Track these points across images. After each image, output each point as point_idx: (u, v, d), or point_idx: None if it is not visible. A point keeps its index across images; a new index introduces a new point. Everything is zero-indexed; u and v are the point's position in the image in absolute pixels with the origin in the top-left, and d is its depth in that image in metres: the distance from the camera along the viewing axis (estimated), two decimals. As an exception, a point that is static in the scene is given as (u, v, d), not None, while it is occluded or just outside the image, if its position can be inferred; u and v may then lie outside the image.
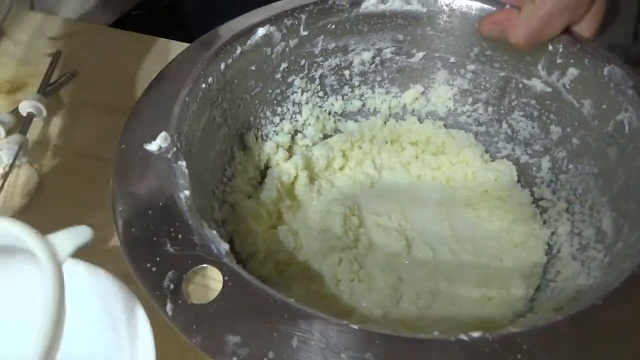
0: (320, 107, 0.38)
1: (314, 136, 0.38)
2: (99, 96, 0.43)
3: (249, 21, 0.32)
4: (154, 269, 0.20)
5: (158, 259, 0.21)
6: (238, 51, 0.32)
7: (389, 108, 0.40)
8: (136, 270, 0.20)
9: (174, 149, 0.25)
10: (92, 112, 0.42)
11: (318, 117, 0.38)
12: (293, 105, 0.37)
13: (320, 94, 0.38)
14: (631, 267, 0.21)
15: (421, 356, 0.18)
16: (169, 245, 0.21)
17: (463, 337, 0.18)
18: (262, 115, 0.36)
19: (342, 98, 0.39)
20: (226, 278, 0.20)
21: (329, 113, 0.39)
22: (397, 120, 0.40)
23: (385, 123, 0.39)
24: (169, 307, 0.19)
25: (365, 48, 0.37)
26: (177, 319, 0.19)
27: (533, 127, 0.35)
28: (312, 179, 0.36)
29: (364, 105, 0.39)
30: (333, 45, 0.36)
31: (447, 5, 0.35)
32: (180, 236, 0.21)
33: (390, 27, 0.36)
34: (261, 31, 0.32)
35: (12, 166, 0.35)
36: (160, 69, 0.30)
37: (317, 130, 0.38)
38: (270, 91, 0.35)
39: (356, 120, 0.40)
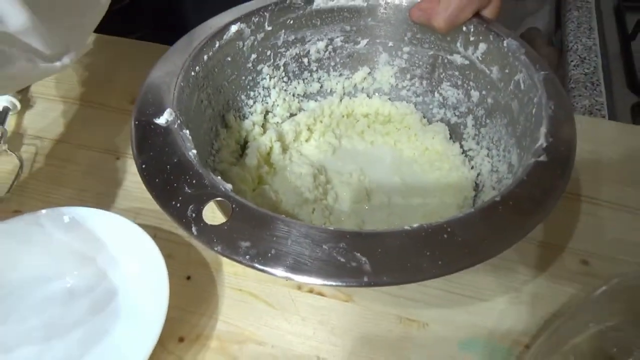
0: (285, 90, 0.46)
1: (282, 115, 0.46)
2: (66, 91, 0.51)
3: (223, 20, 0.39)
4: (178, 205, 0.27)
5: (180, 198, 0.27)
6: (217, 45, 0.38)
7: (343, 88, 0.47)
8: (164, 207, 0.27)
9: (178, 121, 0.32)
10: (59, 105, 0.50)
11: (284, 99, 0.46)
12: (263, 90, 0.44)
13: (285, 79, 0.45)
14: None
15: (378, 242, 0.26)
16: (186, 188, 0.28)
17: (407, 227, 0.26)
18: (238, 98, 0.43)
19: (303, 82, 0.46)
20: (234, 206, 0.27)
21: (293, 95, 0.46)
22: (350, 98, 0.48)
23: (340, 100, 0.47)
24: (194, 229, 0.26)
25: (320, 38, 0.44)
26: (201, 236, 0.26)
27: (458, 94, 0.44)
28: (284, 149, 0.44)
29: (321, 87, 0.47)
30: (292, 37, 0.43)
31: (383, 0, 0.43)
32: (194, 181, 0.28)
33: (338, 20, 0.44)
34: (234, 28, 0.39)
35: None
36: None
37: (285, 110, 0.46)
38: (243, 78, 0.42)
39: (316, 100, 0.47)
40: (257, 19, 0.41)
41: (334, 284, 0.24)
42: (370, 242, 0.26)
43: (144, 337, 0.31)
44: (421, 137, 0.45)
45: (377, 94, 0.48)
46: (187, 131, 0.31)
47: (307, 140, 0.45)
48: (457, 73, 0.43)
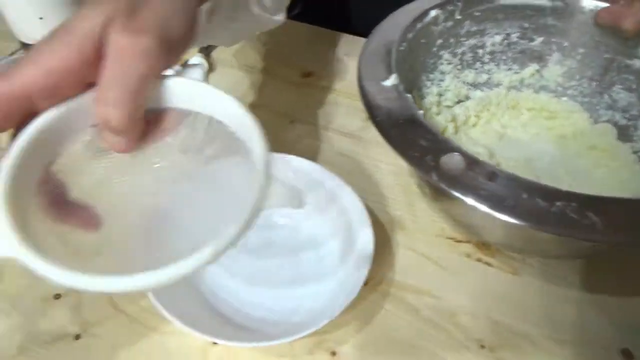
0: (457, 77, 0.49)
1: (452, 99, 0.49)
2: (245, 60, 0.57)
3: (422, 5, 0.43)
4: (416, 154, 0.31)
5: (418, 149, 0.31)
6: (417, 27, 0.42)
7: (510, 81, 0.50)
8: (406, 158, 0.31)
9: (402, 85, 0.35)
10: (237, 71, 0.56)
11: (455, 85, 0.49)
12: (440, 74, 0.48)
13: (459, 66, 0.48)
14: None
15: (606, 205, 0.28)
16: (422, 141, 0.31)
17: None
18: (420, 78, 0.46)
19: (475, 71, 0.49)
20: (467, 161, 0.30)
21: (463, 82, 0.49)
22: (516, 91, 0.50)
23: (507, 93, 0.50)
24: (433, 175, 0.30)
25: (498, 32, 0.47)
26: (441, 181, 0.29)
27: (631, 97, 0.45)
28: (456, 130, 0.47)
29: (489, 78, 0.50)
30: (474, 28, 0.47)
31: (566, 1, 0.46)
32: (427, 136, 0.32)
33: (519, 17, 0.47)
34: (432, 13, 0.43)
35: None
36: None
37: (454, 95, 0.49)
38: (428, 60, 0.46)
39: (482, 90, 0.50)
40: (451, 7, 0.44)
41: (571, 235, 0.27)
42: (598, 205, 0.28)
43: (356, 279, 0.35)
44: (587, 135, 0.46)
45: (542, 90, 0.50)
46: (409, 94, 0.35)
47: (474, 126, 0.48)
48: (632, 77, 0.45)
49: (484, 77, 0.50)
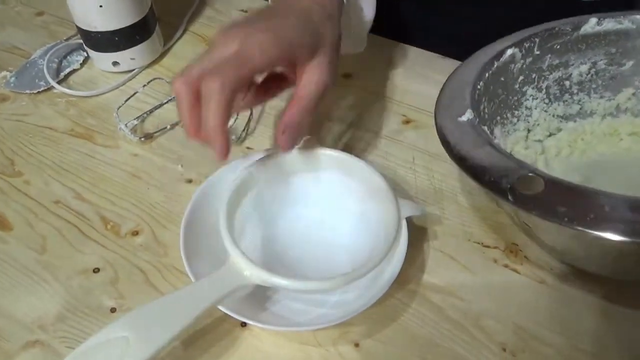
0: (546, 111, 0.49)
1: (542, 134, 0.49)
2: None
3: (502, 45, 0.45)
4: (492, 179, 0.32)
5: (493, 173, 0.32)
6: (494, 66, 0.44)
7: (604, 109, 0.49)
8: (481, 182, 0.32)
9: (477, 120, 0.37)
10: None
11: (545, 119, 0.49)
12: (526, 110, 0.48)
13: (546, 100, 0.49)
14: None
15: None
16: (496, 166, 0.33)
17: None
18: (504, 115, 0.47)
19: (564, 103, 0.49)
20: (544, 180, 0.31)
21: (553, 115, 0.49)
22: (612, 118, 0.49)
23: (602, 120, 0.49)
24: (510, 197, 0.31)
25: (583, 62, 0.47)
26: (516, 203, 0.30)
27: None
28: (547, 164, 0.46)
29: (581, 108, 0.49)
30: (557, 61, 0.47)
31: (652, 20, 0.45)
32: (503, 160, 0.33)
33: (604, 44, 0.46)
34: (509, 52, 0.45)
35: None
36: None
37: (544, 129, 0.49)
38: (510, 97, 0.47)
39: (575, 121, 0.50)
40: (528, 44, 0.46)
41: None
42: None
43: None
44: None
45: (641, 114, 0.48)
46: (485, 127, 0.37)
47: (568, 156, 0.47)
48: None
49: (575, 107, 0.49)
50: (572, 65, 0.47)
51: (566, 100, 0.49)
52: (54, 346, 0.38)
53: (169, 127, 0.54)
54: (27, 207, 0.47)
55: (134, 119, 0.53)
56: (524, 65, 0.46)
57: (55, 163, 0.51)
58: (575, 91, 0.49)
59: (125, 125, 0.52)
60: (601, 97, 0.49)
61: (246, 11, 0.69)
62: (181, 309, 0.33)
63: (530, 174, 0.31)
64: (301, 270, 0.41)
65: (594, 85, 0.48)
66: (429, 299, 0.40)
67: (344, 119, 0.54)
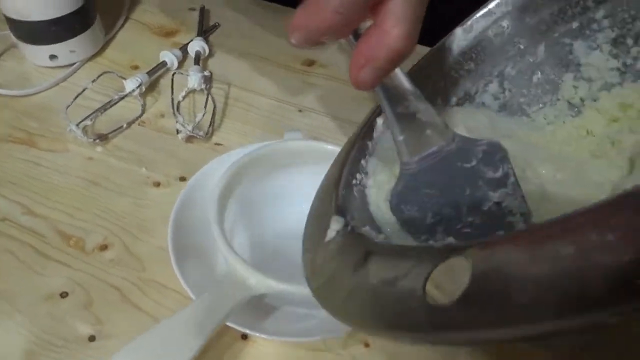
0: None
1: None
2: (241, 45, 0.57)
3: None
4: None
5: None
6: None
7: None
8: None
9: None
10: (237, 56, 0.56)
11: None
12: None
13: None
14: None
15: None
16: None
17: None
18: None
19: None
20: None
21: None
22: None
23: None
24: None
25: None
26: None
27: None
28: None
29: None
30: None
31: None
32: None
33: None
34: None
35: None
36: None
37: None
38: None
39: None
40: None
41: None
42: None
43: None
44: None
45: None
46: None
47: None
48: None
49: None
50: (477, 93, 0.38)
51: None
52: (28, 391, 0.33)
53: (125, 125, 0.48)
54: (-34, 229, 0.40)
55: (85, 119, 0.47)
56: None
57: (-7, 175, 0.44)
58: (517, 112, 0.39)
59: (77, 126, 0.46)
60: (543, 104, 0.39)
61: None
62: (186, 335, 0.29)
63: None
64: (296, 272, 0.38)
65: (525, 92, 0.38)
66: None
67: (313, 108, 0.52)
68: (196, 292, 0.33)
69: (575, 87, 0.36)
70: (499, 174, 0.29)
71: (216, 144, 0.48)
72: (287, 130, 0.46)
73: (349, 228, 0.26)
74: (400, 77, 0.28)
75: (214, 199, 0.36)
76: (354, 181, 0.31)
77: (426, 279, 0.18)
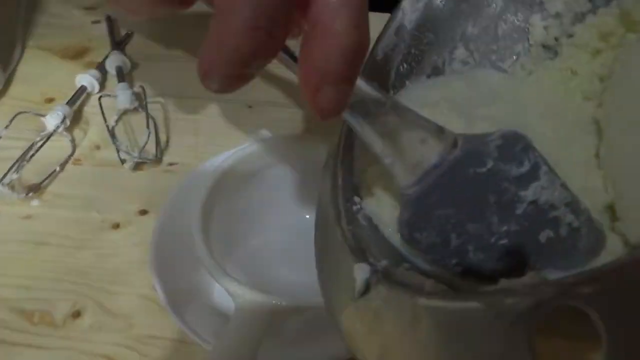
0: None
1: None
2: (163, 49, 0.51)
3: None
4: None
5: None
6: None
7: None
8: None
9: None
10: (165, 62, 0.51)
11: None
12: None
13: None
14: None
15: None
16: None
17: None
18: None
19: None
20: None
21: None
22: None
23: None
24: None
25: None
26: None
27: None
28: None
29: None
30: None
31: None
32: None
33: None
34: None
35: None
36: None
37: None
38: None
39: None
40: None
41: None
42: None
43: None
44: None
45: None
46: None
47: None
48: None
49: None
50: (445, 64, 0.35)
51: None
52: None
53: (58, 169, 0.42)
54: None
55: (9, 172, 0.40)
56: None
57: None
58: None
59: (0, 183, 0.39)
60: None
61: (89, 8, 0.56)
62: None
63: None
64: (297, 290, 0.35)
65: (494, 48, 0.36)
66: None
67: (265, 100, 0.48)
68: (205, 333, 0.30)
69: (545, 27, 0.34)
70: (525, 167, 0.23)
71: (170, 164, 0.43)
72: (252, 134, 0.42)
73: (380, 275, 0.22)
74: (362, 86, 0.22)
75: (197, 230, 0.32)
76: (354, 207, 0.27)
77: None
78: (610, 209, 0.25)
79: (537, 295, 0.14)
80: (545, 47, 0.34)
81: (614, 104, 0.28)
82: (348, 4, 0.18)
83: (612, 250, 0.24)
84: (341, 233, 0.25)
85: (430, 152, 0.23)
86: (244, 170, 0.36)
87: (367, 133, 0.23)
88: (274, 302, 0.28)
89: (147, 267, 0.33)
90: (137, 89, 0.46)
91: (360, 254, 0.23)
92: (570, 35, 0.33)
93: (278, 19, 0.18)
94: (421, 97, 0.33)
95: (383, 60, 0.33)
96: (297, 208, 0.37)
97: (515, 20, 0.36)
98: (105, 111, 0.44)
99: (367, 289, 0.22)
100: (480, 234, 0.23)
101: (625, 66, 0.28)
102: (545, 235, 0.23)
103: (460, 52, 0.35)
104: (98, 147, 0.44)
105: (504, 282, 0.20)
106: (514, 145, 0.24)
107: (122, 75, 0.47)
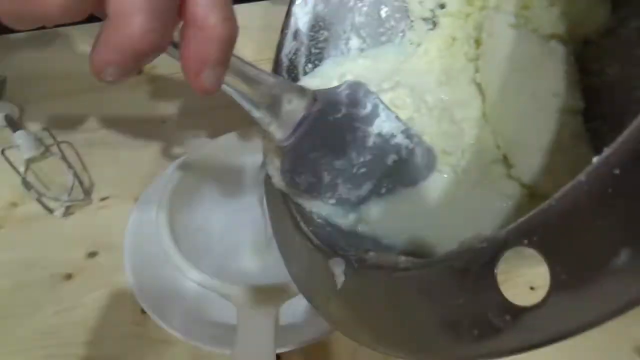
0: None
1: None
2: (49, 83, 0.50)
3: None
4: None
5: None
6: None
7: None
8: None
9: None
10: (57, 97, 0.49)
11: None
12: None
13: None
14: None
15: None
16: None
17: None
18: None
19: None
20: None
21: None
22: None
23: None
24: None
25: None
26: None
27: None
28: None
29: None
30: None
31: None
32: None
33: None
34: None
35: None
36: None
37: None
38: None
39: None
40: None
41: None
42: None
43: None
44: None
45: None
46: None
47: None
48: None
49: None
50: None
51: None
52: None
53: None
54: None
55: None
56: None
57: None
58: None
59: None
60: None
61: None
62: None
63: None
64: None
65: (382, 30, 0.41)
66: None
67: (178, 111, 0.48)
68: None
69: (420, 2, 0.39)
70: (368, 108, 0.29)
71: (102, 199, 0.42)
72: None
73: (356, 266, 0.24)
74: (237, 63, 0.25)
75: (172, 251, 0.33)
76: (307, 209, 0.30)
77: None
78: (505, 158, 0.32)
79: (491, 247, 0.17)
80: (425, 19, 0.40)
81: (487, 70, 0.34)
82: (218, 1, 0.22)
83: (512, 194, 0.30)
84: (304, 237, 0.28)
85: (297, 109, 0.27)
86: (195, 177, 0.38)
87: (246, 103, 0.26)
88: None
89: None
90: (39, 132, 0.44)
91: (330, 249, 0.27)
92: (443, 6, 0.39)
93: (167, 20, 0.21)
94: (329, 72, 0.37)
95: (290, 67, 0.36)
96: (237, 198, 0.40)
97: (394, 2, 0.40)
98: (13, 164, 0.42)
99: (346, 279, 0.24)
100: (344, 168, 0.28)
101: (491, 36, 0.35)
102: (391, 158, 0.29)
103: (354, 41, 0.40)
104: (15, 205, 0.42)
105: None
106: (358, 91, 0.29)
107: (15, 124, 0.45)
